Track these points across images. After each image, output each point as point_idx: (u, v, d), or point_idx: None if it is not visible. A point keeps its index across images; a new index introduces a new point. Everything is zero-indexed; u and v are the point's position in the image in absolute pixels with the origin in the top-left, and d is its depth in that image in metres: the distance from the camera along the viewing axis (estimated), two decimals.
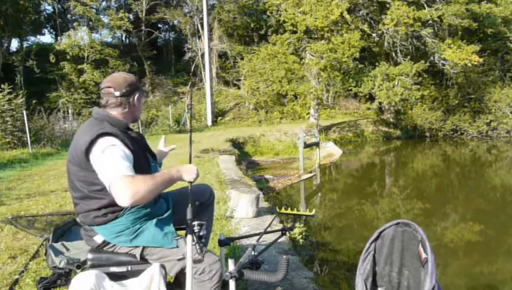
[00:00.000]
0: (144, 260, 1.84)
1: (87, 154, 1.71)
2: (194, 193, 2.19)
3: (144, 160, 1.89)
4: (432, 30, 18.33)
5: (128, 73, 2.03)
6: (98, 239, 1.83)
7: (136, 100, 1.92)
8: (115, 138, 1.73)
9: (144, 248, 1.82)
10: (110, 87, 1.87)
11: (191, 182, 1.83)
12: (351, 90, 19.56)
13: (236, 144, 13.84)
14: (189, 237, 1.67)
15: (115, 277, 1.76)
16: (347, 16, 16.54)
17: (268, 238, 2.48)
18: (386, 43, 18.74)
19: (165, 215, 1.98)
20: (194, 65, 23.21)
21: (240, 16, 24.03)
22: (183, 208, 2.15)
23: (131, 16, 24.17)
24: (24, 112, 11.36)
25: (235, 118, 21.57)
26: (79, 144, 1.74)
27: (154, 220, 1.89)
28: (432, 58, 18.91)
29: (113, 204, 1.75)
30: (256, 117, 21.03)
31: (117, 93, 1.85)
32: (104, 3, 26.51)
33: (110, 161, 1.64)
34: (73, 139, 1.84)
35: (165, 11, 24.13)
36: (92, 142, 1.69)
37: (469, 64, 17.76)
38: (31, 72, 20.72)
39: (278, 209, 2.50)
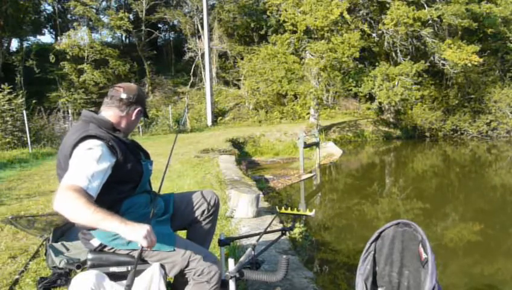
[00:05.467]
0: (143, 261, 1.84)
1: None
2: (199, 199, 2.19)
3: (133, 158, 1.88)
4: (432, 30, 18.32)
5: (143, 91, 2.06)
6: (95, 242, 1.83)
7: (135, 113, 1.95)
8: (97, 139, 1.72)
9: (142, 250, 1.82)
10: (121, 87, 1.95)
11: (142, 247, 1.57)
12: (351, 90, 19.54)
13: (236, 144, 13.83)
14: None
15: (115, 277, 1.75)
16: (347, 16, 16.54)
17: (268, 238, 2.48)
18: (386, 43, 18.72)
19: (163, 217, 1.97)
20: (194, 65, 23.21)
21: (240, 16, 24.03)
22: (184, 212, 2.16)
23: (131, 16, 24.13)
24: (24, 112, 11.36)
25: (235, 118, 21.55)
26: (64, 148, 1.75)
27: (152, 222, 1.88)
28: (432, 58, 18.89)
29: (106, 206, 1.75)
30: (256, 117, 21.02)
31: (123, 96, 1.91)
32: (104, 3, 26.52)
33: (75, 165, 1.64)
34: (61, 144, 1.84)
35: (165, 11, 24.11)
36: (74, 147, 1.70)
37: (469, 64, 17.76)
38: (31, 72, 20.69)
39: (278, 209, 2.50)
